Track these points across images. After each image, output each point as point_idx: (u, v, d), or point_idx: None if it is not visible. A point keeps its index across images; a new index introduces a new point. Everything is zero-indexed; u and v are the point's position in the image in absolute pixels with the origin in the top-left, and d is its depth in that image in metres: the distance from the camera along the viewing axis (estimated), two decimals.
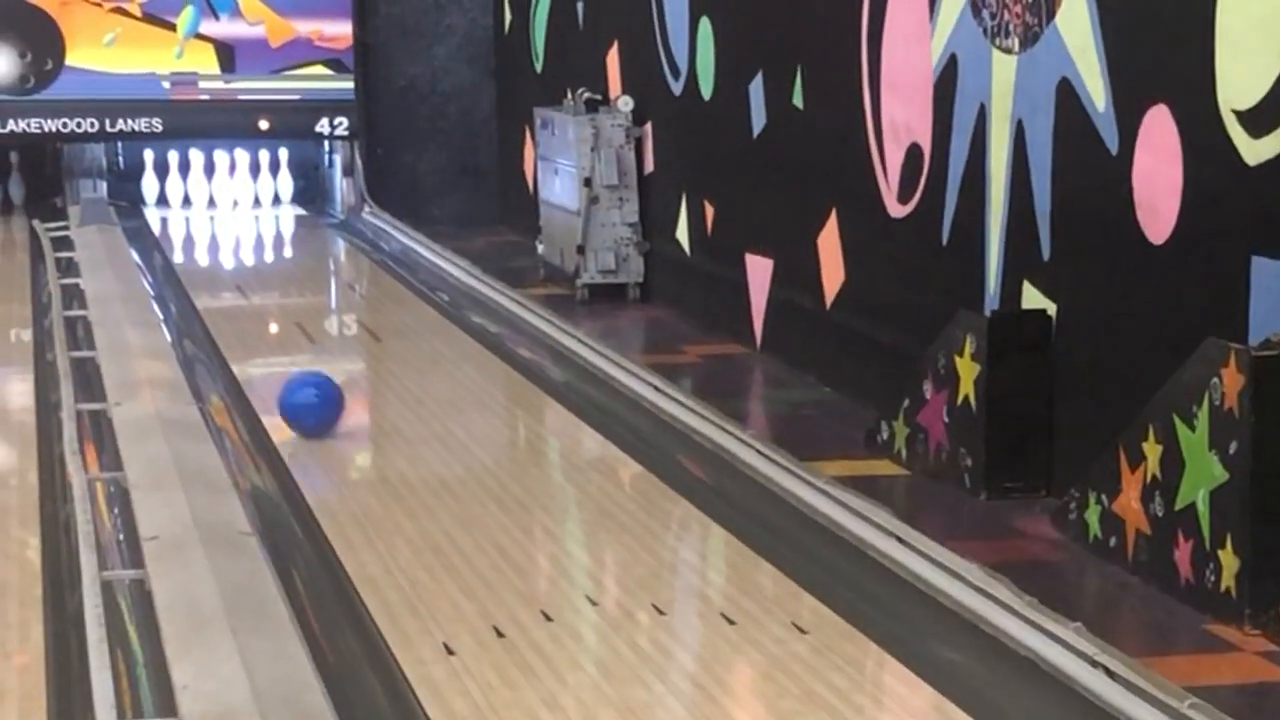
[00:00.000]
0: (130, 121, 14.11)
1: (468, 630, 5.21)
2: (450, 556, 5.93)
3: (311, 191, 15.28)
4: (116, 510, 6.41)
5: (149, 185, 14.97)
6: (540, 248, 11.68)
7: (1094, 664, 4.70)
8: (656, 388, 8.10)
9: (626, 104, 10.93)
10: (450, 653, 5.02)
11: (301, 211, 15.02)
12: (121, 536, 6.13)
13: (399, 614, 5.35)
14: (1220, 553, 5.21)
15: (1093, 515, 5.85)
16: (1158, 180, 5.83)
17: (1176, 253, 5.79)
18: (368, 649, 5.13)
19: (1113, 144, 6.07)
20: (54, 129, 14.08)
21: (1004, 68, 6.74)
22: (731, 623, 5.31)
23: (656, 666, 5.00)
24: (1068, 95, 6.31)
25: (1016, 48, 6.65)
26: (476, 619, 5.31)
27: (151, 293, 10.87)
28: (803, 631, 5.22)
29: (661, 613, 5.45)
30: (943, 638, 5.20)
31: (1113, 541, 5.74)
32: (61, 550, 5.96)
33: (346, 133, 14.35)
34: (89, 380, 8.26)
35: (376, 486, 7.02)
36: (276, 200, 15.13)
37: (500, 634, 5.18)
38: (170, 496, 6.11)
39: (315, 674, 4.59)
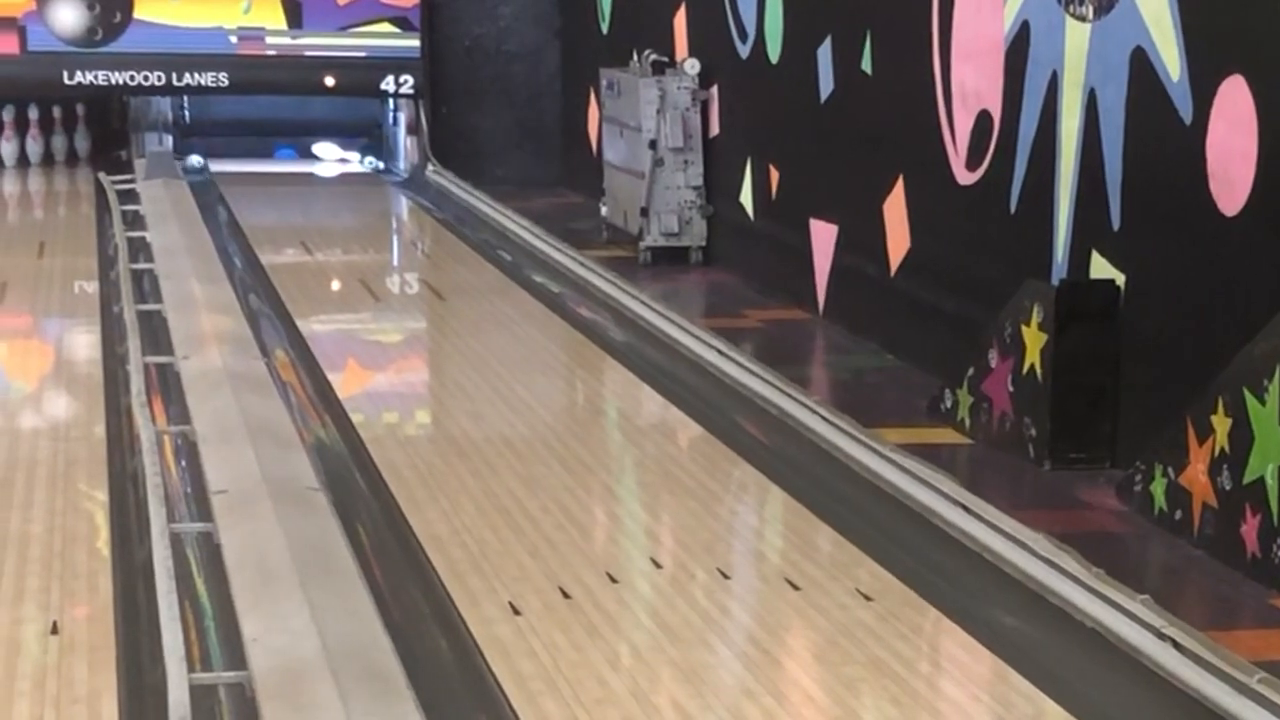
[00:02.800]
0: (197, 75, 14.14)
1: (533, 590, 5.23)
2: (515, 516, 5.95)
3: (376, 149, 15.31)
4: (184, 463, 6.45)
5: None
6: (604, 209, 11.68)
7: (1162, 637, 4.69)
8: (719, 350, 8.09)
9: (693, 66, 10.90)
10: (516, 612, 5.05)
11: (365, 169, 15.06)
12: (189, 489, 6.17)
13: (465, 573, 5.38)
14: None
15: (1158, 488, 5.83)
16: (1232, 151, 5.79)
17: (1249, 225, 5.75)
18: (434, 607, 5.16)
19: (1186, 114, 6.02)
20: (121, 82, 14.13)
21: (1077, 35, 6.69)
22: (795, 588, 5.32)
23: (720, 630, 5.02)
24: (1141, 64, 6.27)
25: (1090, 15, 6.61)
26: (542, 579, 5.33)
27: (216, 247, 10.91)
28: (867, 598, 5.22)
29: (725, 576, 5.46)
30: (1008, 607, 5.20)
31: (1178, 514, 5.72)
32: (130, 502, 6.01)
33: (411, 91, 14.35)
34: (155, 333, 8.31)
35: (441, 444, 7.05)
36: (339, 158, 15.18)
37: (566, 595, 5.20)
38: (238, 450, 6.14)
39: (384, 630, 4.61)
